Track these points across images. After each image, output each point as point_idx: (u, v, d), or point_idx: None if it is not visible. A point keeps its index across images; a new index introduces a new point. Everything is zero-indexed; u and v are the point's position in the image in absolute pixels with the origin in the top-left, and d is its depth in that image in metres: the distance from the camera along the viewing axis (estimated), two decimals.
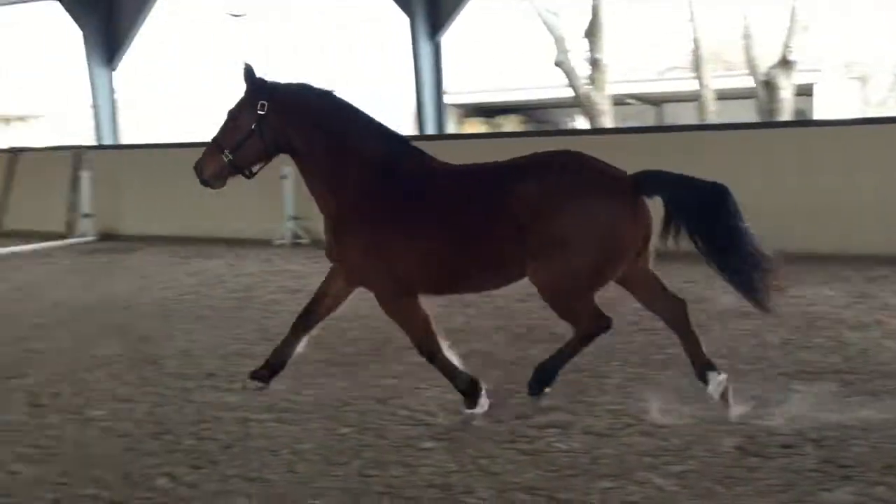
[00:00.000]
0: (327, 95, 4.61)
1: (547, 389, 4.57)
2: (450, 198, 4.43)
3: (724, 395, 4.32)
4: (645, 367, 5.27)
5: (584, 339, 4.46)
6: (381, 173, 4.48)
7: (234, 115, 4.63)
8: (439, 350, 4.49)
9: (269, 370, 4.68)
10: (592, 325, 4.39)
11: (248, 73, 4.58)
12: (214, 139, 4.67)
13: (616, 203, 4.26)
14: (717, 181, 4.34)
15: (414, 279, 4.43)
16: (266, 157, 4.67)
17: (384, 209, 4.42)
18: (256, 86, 4.57)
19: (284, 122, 4.52)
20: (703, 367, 4.34)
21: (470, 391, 4.50)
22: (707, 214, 4.25)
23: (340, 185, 4.49)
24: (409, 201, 4.42)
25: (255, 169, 4.71)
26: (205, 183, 4.67)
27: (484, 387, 4.52)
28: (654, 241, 4.36)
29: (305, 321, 4.65)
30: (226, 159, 4.58)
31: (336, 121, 4.56)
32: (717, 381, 4.31)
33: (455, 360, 4.49)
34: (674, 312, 4.42)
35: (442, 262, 4.42)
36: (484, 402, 4.50)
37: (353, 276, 4.56)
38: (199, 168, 4.67)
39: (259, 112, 4.51)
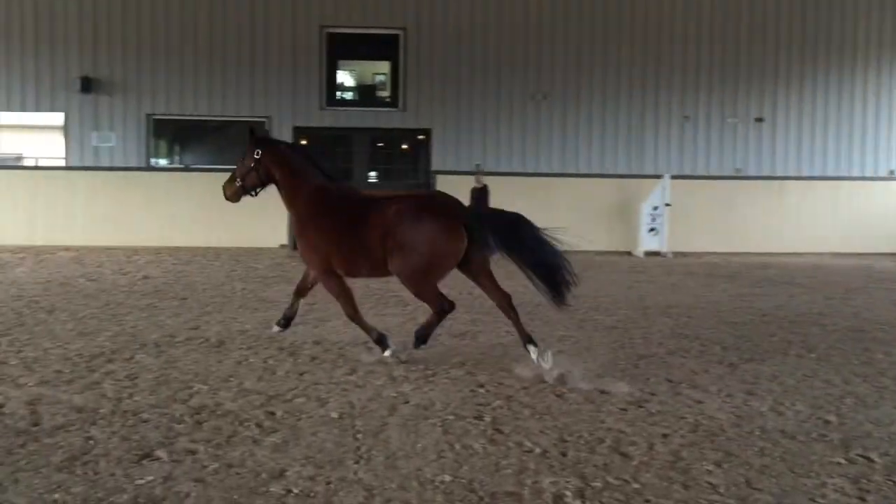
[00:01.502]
0: (297, 148, 7.61)
1: (423, 346, 7.03)
2: (351, 215, 6.86)
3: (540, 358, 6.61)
4: None
5: (437, 314, 6.90)
6: (317, 198, 7.00)
7: (243, 157, 7.33)
8: (357, 313, 7.06)
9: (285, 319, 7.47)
10: (437, 305, 6.82)
11: (251, 132, 7.41)
12: (233, 171, 7.38)
13: (439, 225, 6.65)
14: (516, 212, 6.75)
15: (335, 265, 6.92)
16: (261, 184, 7.31)
17: (316, 220, 6.95)
18: (256, 141, 7.29)
19: (268, 164, 7.16)
20: (524, 340, 6.78)
21: (380, 343, 7.07)
22: (507, 232, 6.58)
23: (295, 205, 7.12)
24: (330, 216, 6.91)
25: (257, 191, 7.37)
26: (227, 198, 7.47)
27: (390, 343, 7.07)
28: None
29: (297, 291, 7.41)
30: (238, 184, 7.33)
31: (297, 165, 7.12)
32: (534, 350, 6.70)
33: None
34: (502, 301, 6.83)
35: (345, 254, 6.86)
36: (389, 352, 7.01)
37: (304, 261, 7.19)
38: (224, 189, 7.45)
39: (255, 157, 7.21)
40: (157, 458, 4.65)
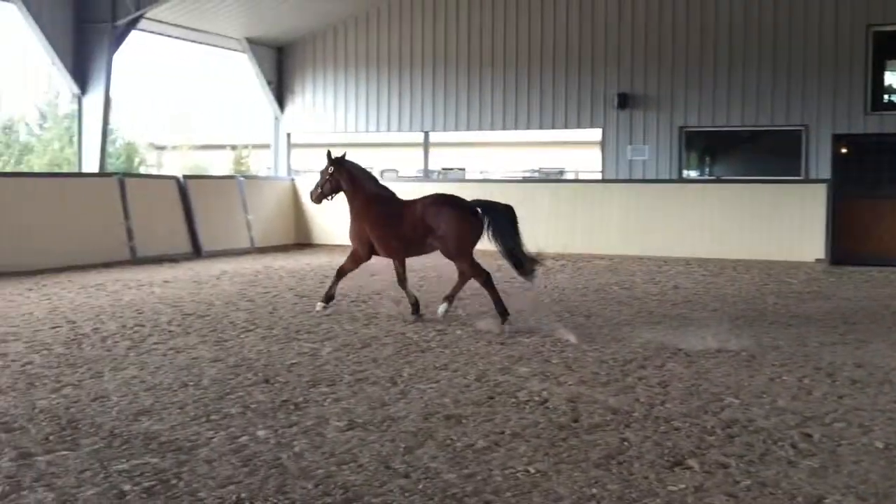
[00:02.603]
0: (357, 166, 9.90)
1: (508, 317, 8.91)
2: (393, 213, 9.46)
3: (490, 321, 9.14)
4: None
5: (486, 285, 9.07)
6: (369, 201, 9.65)
7: (322, 172, 9.98)
8: (341, 278, 9.94)
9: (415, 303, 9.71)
10: (477, 276, 9.08)
11: (328, 154, 9.97)
12: (316, 182, 10.05)
13: (461, 214, 9.15)
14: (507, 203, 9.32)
15: (376, 248, 9.59)
16: (333, 192, 9.95)
17: (366, 216, 9.59)
18: (330, 160, 9.89)
19: (338, 178, 9.81)
20: (499, 309, 9.00)
21: (327, 299, 9.92)
22: (501, 218, 9.12)
23: (353, 206, 9.78)
24: (378, 214, 9.53)
25: (332, 197, 10.03)
26: (312, 200, 10.16)
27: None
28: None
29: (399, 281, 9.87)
30: (319, 191, 9.97)
31: (358, 178, 9.78)
32: (487, 321, 9.12)
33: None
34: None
35: (386, 241, 9.48)
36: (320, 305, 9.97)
37: (351, 241, 9.90)
38: (311, 194, 10.13)
39: (330, 172, 9.86)
40: (689, 468, 4.70)
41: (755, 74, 18.60)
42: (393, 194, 9.80)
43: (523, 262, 9.12)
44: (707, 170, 20.71)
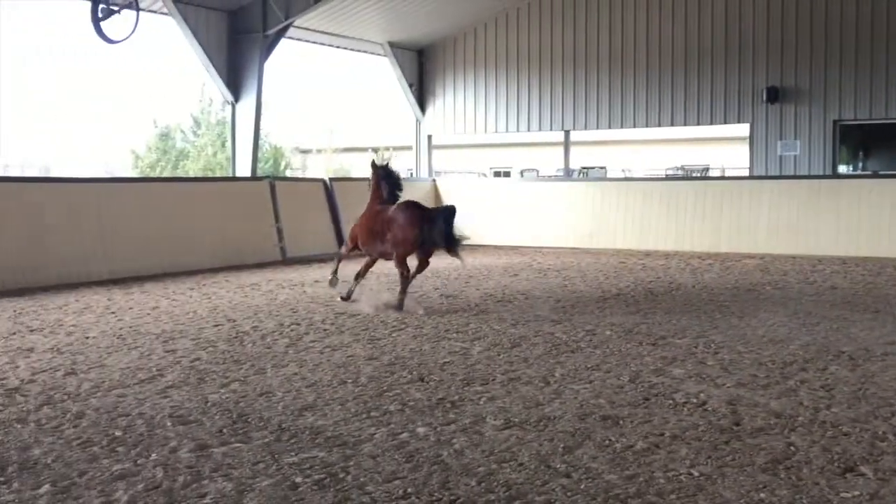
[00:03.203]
0: (391, 174, 11.10)
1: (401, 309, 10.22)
2: (383, 215, 10.67)
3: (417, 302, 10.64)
4: None
5: (403, 278, 10.31)
6: (372, 204, 11.05)
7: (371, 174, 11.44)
8: (341, 259, 11.88)
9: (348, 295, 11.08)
10: (402, 270, 10.30)
11: (372, 162, 11.50)
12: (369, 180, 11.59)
13: (406, 218, 10.30)
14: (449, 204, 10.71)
15: (361, 243, 11.05)
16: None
17: (368, 217, 11.03)
18: (372, 165, 11.41)
19: (373, 180, 11.26)
20: (401, 290, 10.41)
21: (346, 298, 10.97)
22: (442, 218, 10.17)
23: (371, 204, 11.19)
24: (377, 214, 10.82)
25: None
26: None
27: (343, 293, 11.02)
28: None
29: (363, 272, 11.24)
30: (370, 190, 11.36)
31: (379, 184, 11.05)
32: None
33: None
34: (420, 265, 10.48)
35: (369, 238, 10.83)
36: (340, 295, 11.11)
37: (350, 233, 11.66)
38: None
39: (370, 175, 11.38)
40: (862, 474, 4.53)
41: None
42: (395, 201, 10.93)
43: (456, 247, 10.20)
44: (861, 165, 19.83)
